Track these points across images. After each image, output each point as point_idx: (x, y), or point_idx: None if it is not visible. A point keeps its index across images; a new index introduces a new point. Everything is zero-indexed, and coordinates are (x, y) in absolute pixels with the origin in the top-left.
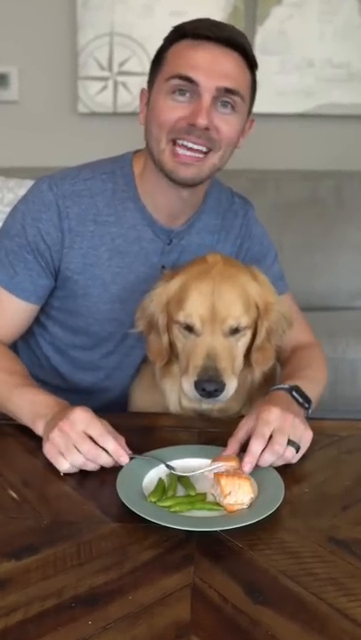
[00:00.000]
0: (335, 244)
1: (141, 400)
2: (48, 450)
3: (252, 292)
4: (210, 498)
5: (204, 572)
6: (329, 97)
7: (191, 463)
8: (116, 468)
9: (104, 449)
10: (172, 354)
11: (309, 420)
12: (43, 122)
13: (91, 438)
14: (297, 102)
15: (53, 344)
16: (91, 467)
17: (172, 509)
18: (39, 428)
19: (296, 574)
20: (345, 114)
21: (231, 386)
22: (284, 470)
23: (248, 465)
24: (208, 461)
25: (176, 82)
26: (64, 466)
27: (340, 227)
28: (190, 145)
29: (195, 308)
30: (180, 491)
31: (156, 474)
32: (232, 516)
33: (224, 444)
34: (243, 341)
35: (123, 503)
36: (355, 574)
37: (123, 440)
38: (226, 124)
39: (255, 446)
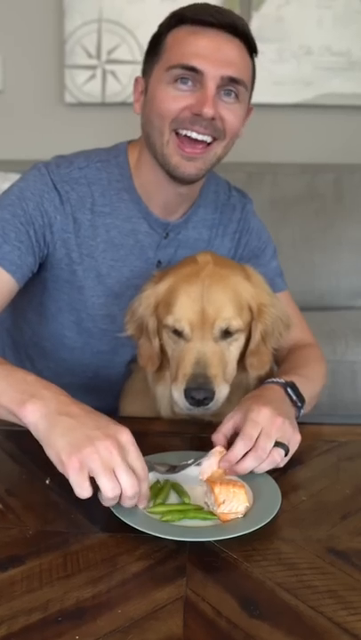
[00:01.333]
0: (334, 241)
1: (132, 404)
2: (74, 466)
3: (244, 293)
4: (203, 506)
5: (196, 585)
6: (328, 86)
7: (185, 470)
8: None
9: None
10: (163, 358)
11: (307, 424)
12: (28, 113)
13: None
14: (294, 92)
15: (39, 345)
16: (111, 502)
17: (163, 518)
18: (28, 412)
19: (294, 587)
20: (345, 104)
21: (222, 393)
22: (281, 478)
23: (226, 463)
24: (200, 468)
25: (179, 71)
26: (87, 492)
27: (339, 222)
28: (195, 136)
29: (183, 313)
30: (174, 499)
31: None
32: (226, 525)
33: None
34: (235, 346)
35: (111, 512)
36: (355, 587)
37: None
38: (230, 113)
39: (239, 448)
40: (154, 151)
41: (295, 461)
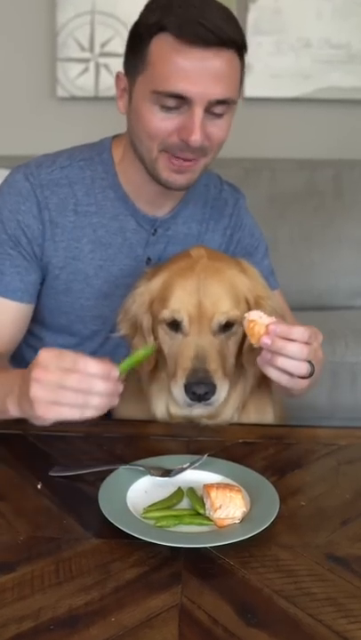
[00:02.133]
0: (334, 239)
1: (126, 407)
2: (41, 412)
3: (240, 286)
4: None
5: (192, 592)
6: (327, 80)
7: (182, 475)
8: (99, 478)
9: None
10: (159, 358)
11: (305, 427)
12: (19, 107)
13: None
14: (293, 86)
15: (34, 347)
16: (94, 402)
17: (158, 524)
18: (12, 410)
19: (292, 594)
20: (344, 98)
21: (223, 389)
22: (279, 482)
23: (276, 328)
24: (200, 473)
25: (164, 98)
26: (69, 413)
27: (339, 220)
28: (184, 157)
29: (180, 306)
30: (186, 504)
31: (141, 486)
32: (223, 531)
33: (215, 454)
34: (233, 340)
35: (105, 517)
36: (355, 594)
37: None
38: (218, 129)
39: (297, 331)
40: (142, 159)
41: (293, 465)
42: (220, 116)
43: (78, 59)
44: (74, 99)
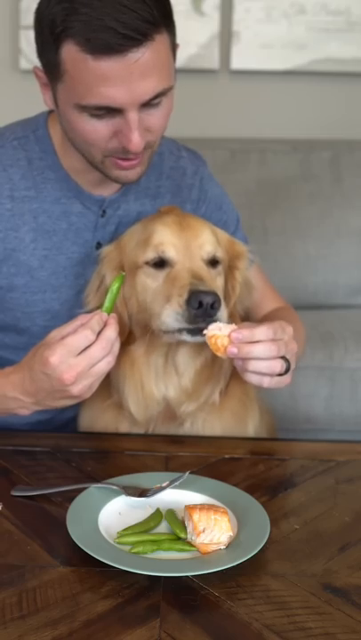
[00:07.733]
0: (332, 229)
1: (91, 420)
2: (86, 395)
3: (220, 235)
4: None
5: (172, 627)
6: (324, 50)
7: (161, 495)
8: (68, 499)
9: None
10: (130, 334)
11: (300, 441)
12: None
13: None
14: (285, 57)
15: None
16: (116, 349)
17: (133, 550)
18: (28, 412)
19: (284, 629)
20: (343, 71)
21: (224, 310)
22: (270, 503)
23: (239, 335)
24: (180, 492)
25: (92, 110)
26: (103, 375)
27: (337, 208)
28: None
29: (164, 239)
30: (164, 528)
31: (115, 507)
32: (206, 558)
33: (197, 471)
34: (219, 281)
35: (74, 543)
36: (355, 629)
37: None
38: (157, 118)
39: (261, 331)
40: (84, 157)
41: (286, 484)
42: (157, 105)
43: None
44: None
